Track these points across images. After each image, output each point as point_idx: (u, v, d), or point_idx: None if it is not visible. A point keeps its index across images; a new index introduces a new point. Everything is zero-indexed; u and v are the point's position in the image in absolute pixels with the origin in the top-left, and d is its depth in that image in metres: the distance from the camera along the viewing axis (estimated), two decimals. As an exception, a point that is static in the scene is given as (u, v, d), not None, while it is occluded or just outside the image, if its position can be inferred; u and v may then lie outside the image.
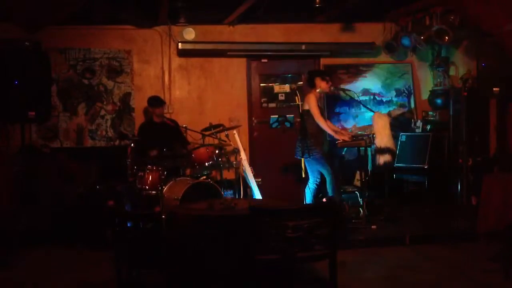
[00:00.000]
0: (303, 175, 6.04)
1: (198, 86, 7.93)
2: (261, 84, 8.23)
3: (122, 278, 3.37)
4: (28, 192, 6.30)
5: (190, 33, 7.64)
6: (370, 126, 6.93)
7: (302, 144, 6.06)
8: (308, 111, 6.26)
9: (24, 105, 6.15)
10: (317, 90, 6.37)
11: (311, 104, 6.26)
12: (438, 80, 8.17)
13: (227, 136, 6.76)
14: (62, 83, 7.46)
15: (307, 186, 6.39)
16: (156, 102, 6.95)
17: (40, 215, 6.19)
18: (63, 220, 6.19)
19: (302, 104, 6.15)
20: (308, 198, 6.33)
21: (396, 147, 7.08)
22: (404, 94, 8.38)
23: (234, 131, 6.85)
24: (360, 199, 6.53)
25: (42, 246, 5.88)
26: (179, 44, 7.54)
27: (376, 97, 8.33)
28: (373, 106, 7.95)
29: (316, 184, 6.39)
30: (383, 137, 6.29)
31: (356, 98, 7.12)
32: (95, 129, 7.59)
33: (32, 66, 6.27)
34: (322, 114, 6.43)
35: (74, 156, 7.13)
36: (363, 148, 6.38)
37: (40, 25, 6.83)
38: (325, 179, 6.34)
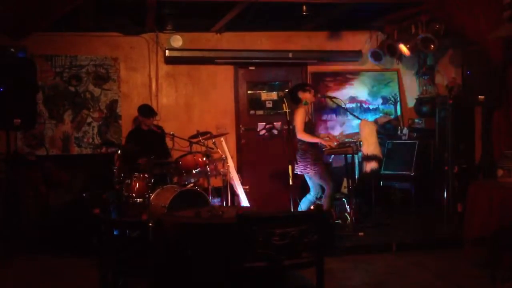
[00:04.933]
0: (291, 182, 6.03)
1: (185, 93, 7.92)
2: (249, 92, 8.24)
3: (107, 286, 3.34)
4: (14, 200, 6.23)
5: (177, 41, 7.64)
6: (357, 133, 6.96)
7: (295, 159, 6.01)
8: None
9: (9, 112, 6.08)
10: (303, 103, 6.30)
11: (297, 119, 6.15)
12: (424, 88, 8.24)
13: (214, 143, 6.76)
14: (48, 90, 7.41)
15: (306, 197, 6.33)
16: (148, 113, 6.88)
17: (25, 223, 6.13)
18: (49, 228, 6.13)
19: (289, 113, 6.12)
20: (303, 209, 6.25)
21: (383, 155, 7.12)
22: (391, 101, 8.44)
23: (222, 139, 6.85)
24: (347, 206, 6.54)
25: (28, 255, 5.82)
26: (167, 51, 7.54)
27: (363, 104, 8.38)
28: (360, 114, 8.00)
29: (317, 197, 6.31)
30: (369, 145, 6.31)
31: (343, 106, 7.15)
32: (81, 136, 7.55)
33: (18, 73, 6.22)
34: (312, 126, 6.39)
35: (60, 164, 7.07)
36: (350, 155, 6.41)
37: (26, 32, 6.78)
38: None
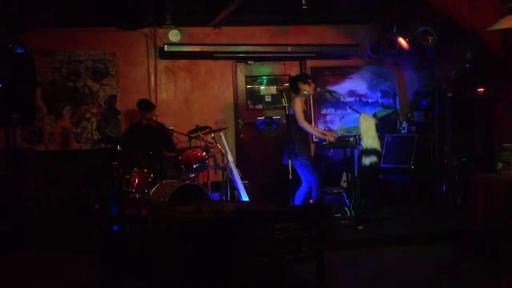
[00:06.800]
0: (290, 177, 6.04)
1: (184, 88, 7.90)
2: (248, 86, 8.23)
3: (107, 282, 3.34)
4: (13, 195, 6.23)
5: (176, 35, 7.61)
6: (356, 127, 6.96)
7: (289, 149, 6.06)
8: (294, 115, 6.24)
9: (8, 108, 6.08)
10: (302, 94, 6.35)
11: (296, 108, 6.24)
12: (423, 81, 8.22)
13: (213, 138, 6.75)
14: (47, 85, 7.39)
15: (300, 189, 6.37)
16: (147, 106, 6.90)
17: (25, 219, 6.13)
18: (49, 224, 6.13)
19: (288, 107, 6.14)
20: (299, 201, 6.30)
21: (382, 148, 7.11)
22: (390, 95, 8.43)
23: (221, 133, 6.84)
24: (346, 200, 6.55)
25: (27, 250, 5.82)
26: (165, 46, 7.51)
27: (362, 98, 8.37)
28: (359, 108, 7.98)
29: (310, 188, 6.37)
30: (368, 138, 6.32)
31: (341, 100, 7.14)
32: (80, 132, 7.53)
33: (16, 69, 6.21)
34: (307, 117, 6.43)
35: (59, 159, 7.07)
36: (350, 149, 6.41)
37: (24, 27, 6.77)
38: None
